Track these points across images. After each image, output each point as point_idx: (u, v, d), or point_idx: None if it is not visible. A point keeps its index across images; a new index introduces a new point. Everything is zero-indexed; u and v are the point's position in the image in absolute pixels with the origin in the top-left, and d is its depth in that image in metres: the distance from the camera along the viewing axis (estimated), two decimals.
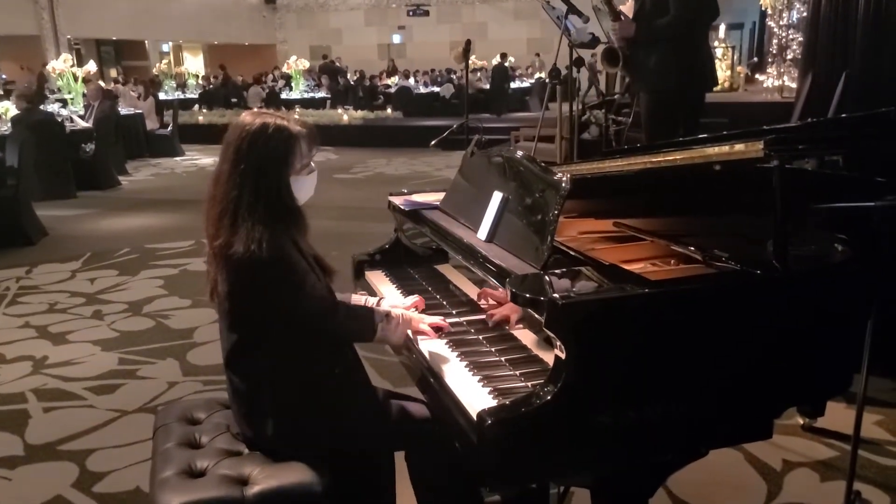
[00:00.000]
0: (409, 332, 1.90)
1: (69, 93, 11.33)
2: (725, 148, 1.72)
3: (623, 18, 3.95)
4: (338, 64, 21.00)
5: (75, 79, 11.27)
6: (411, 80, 18.47)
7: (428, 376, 1.80)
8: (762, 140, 1.53)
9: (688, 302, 1.52)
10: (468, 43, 5.27)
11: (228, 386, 1.85)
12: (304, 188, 1.81)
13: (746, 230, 1.95)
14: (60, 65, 11.34)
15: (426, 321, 1.92)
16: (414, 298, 2.11)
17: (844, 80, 3.38)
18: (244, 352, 1.77)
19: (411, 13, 23.40)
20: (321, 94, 18.13)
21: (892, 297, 1.85)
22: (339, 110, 15.83)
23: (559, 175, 1.75)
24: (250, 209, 1.68)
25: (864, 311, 1.82)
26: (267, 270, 1.66)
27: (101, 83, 12.80)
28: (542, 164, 1.88)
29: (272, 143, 1.71)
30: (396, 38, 25.06)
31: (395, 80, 18.75)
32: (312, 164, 1.84)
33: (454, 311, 2.11)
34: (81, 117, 9.60)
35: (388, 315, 1.85)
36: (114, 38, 22.97)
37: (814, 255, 1.79)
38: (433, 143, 4.56)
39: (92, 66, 11.83)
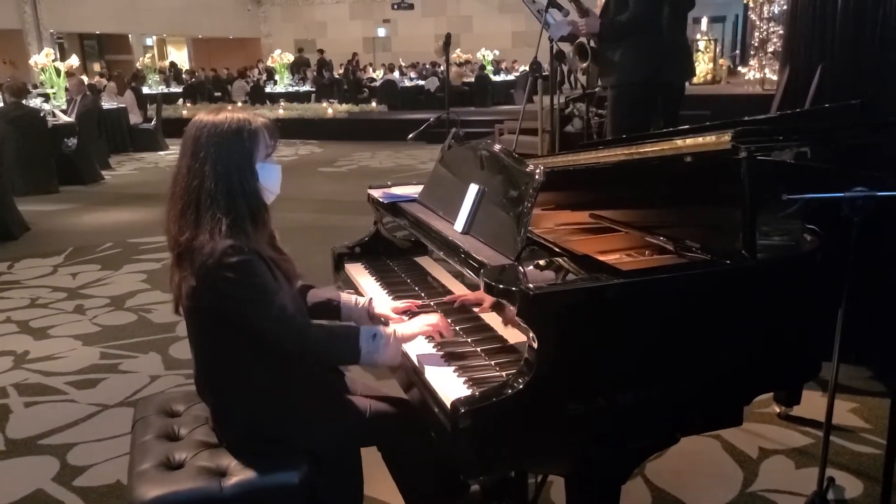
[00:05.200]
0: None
1: (51, 87, 11.23)
2: (698, 140, 1.75)
3: (590, 14, 3.99)
4: (324, 57, 20.95)
5: (58, 73, 11.16)
6: (396, 74, 18.44)
7: (405, 367, 1.81)
8: (730, 132, 1.56)
9: (658, 291, 1.54)
10: (448, 36, 5.27)
11: (196, 386, 1.86)
12: (271, 176, 1.74)
13: (720, 221, 1.98)
14: (43, 59, 11.22)
15: (418, 325, 1.80)
16: (404, 304, 2.06)
17: (820, 73, 3.41)
18: (213, 368, 1.77)
19: (396, 6, 23.29)
20: (306, 87, 18.07)
21: (862, 286, 1.89)
22: (324, 104, 15.79)
23: (532, 167, 1.77)
24: (212, 197, 1.63)
25: (832, 300, 1.85)
26: (231, 268, 1.59)
27: (85, 77, 12.69)
28: (517, 157, 1.90)
29: (234, 131, 1.67)
30: (381, 32, 24.98)
31: (379, 73, 18.74)
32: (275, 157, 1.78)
33: (432, 303, 2.12)
34: (64, 112, 9.52)
35: (375, 335, 1.73)
36: (97, 32, 22.74)
37: (783, 245, 1.82)
38: (410, 136, 4.56)
39: (74, 61, 11.71)
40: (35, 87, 12.95)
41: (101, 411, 3.08)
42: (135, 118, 12.25)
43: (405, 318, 2.00)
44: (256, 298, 1.63)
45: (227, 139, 1.66)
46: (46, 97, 11.11)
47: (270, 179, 1.74)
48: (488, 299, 1.91)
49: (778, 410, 2.84)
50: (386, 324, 2.00)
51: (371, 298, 2.09)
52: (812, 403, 2.82)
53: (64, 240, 6.16)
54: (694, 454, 2.56)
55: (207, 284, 1.62)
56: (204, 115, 1.71)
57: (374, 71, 20.28)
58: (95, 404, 3.15)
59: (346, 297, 2.08)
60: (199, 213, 1.64)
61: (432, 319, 1.81)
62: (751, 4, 12.96)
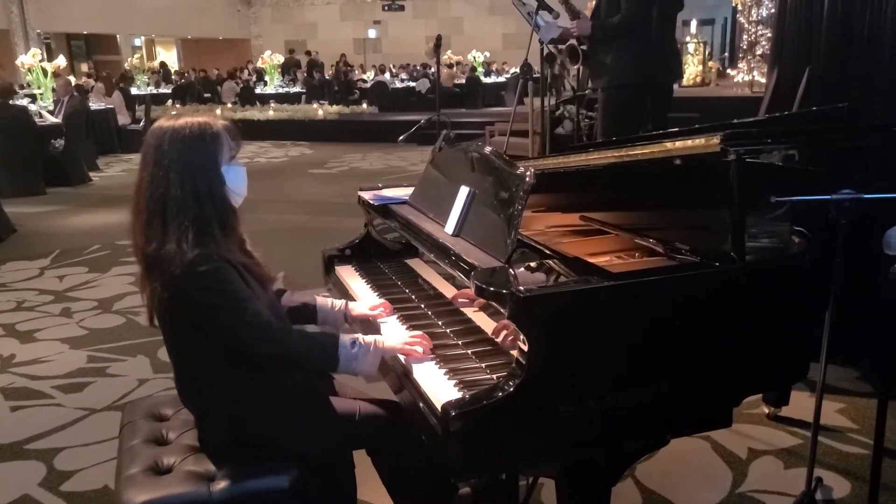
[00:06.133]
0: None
1: (38, 88, 11.15)
2: (687, 142, 1.76)
3: (582, 16, 4.01)
4: (314, 58, 20.91)
5: (45, 73, 11.08)
6: (387, 75, 18.44)
7: (396, 370, 1.81)
8: (719, 135, 1.56)
9: (648, 293, 1.54)
10: (439, 38, 5.27)
11: (178, 394, 1.85)
12: (237, 178, 1.72)
13: (709, 223, 1.99)
14: (29, 59, 11.14)
15: (402, 338, 1.79)
16: (377, 301, 2.09)
17: (807, 76, 3.43)
18: (193, 376, 1.76)
19: (386, 8, 23.29)
20: (296, 88, 18.03)
21: (849, 288, 1.90)
22: (315, 105, 15.75)
23: (523, 169, 1.77)
24: (179, 204, 1.60)
25: (820, 302, 1.86)
26: (199, 277, 1.57)
27: (72, 78, 12.61)
28: (507, 159, 1.90)
29: (196, 136, 1.64)
30: (372, 33, 24.96)
31: (370, 74, 18.74)
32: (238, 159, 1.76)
33: (422, 305, 2.12)
34: (51, 112, 9.45)
35: (354, 342, 1.73)
36: (84, 32, 22.59)
37: (772, 247, 1.82)
38: (401, 138, 4.55)
39: (62, 61, 11.63)
40: (22, 87, 12.85)
41: (88, 415, 3.06)
42: (123, 119, 12.18)
43: (381, 312, 2.03)
44: (229, 306, 1.61)
45: (190, 144, 1.64)
46: (33, 98, 11.02)
47: (236, 182, 1.72)
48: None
49: (767, 411, 2.85)
50: (363, 327, 2.01)
51: (346, 302, 2.08)
52: (800, 404, 2.83)
53: (51, 242, 6.11)
54: (684, 455, 2.57)
55: (179, 295, 1.60)
56: (164, 122, 1.68)
57: (364, 72, 20.27)
58: (83, 408, 3.12)
59: (322, 300, 2.07)
60: (165, 222, 1.61)
61: (417, 334, 1.82)
62: (739, 7, 13.04)
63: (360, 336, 1.77)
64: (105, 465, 2.63)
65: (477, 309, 1.95)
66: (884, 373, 2.04)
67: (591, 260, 1.80)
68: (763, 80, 9.27)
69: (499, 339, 1.78)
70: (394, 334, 1.86)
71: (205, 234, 1.62)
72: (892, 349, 1.97)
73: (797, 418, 2.80)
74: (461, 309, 2.00)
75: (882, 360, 2.04)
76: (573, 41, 4.07)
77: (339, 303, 2.07)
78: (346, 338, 1.74)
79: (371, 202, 2.50)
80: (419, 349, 1.76)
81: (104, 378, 3.43)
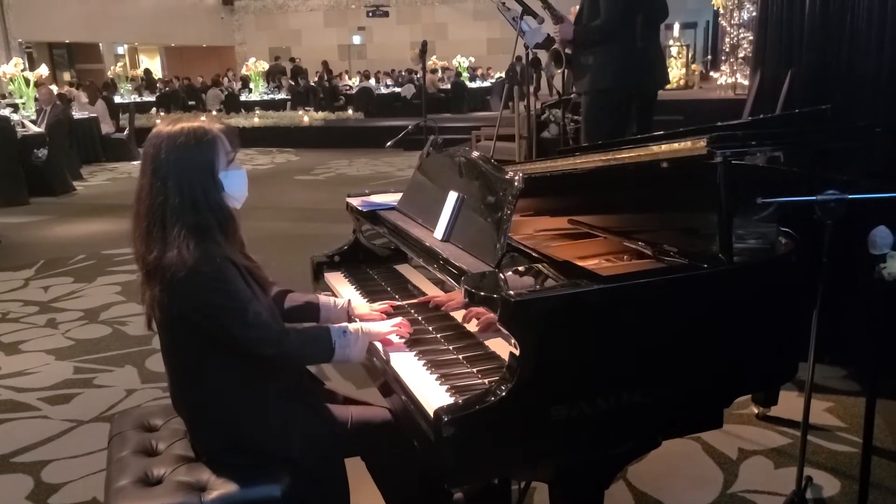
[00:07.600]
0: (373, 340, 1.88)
1: (21, 97, 11.05)
2: (674, 145, 1.77)
3: (565, 21, 4.04)
4: (298, 64, 20.88)
5: (27, 83, 10.98)
6: (372, 81, 18.45)
7: (387, 376, 1.80)
8: (705, 138, 1.58)
9: (637, 295, 1.55)
10: (424, 44, 5.29)
11: (172, 401, 1.84)
12: (236, 182, 1.72)
13: (697, 225, 2.00)
14: (11, 69, 11.04)
15: (388, 326, 1.89)
16: (381, 305, 2.10)
17: (790, 78, 3.47)
18: (189, 381, 1.75)
19: (371, 14, 23.34)
20: (281, 95, 17.99)
21: (836, 288, 1.92)
22: (300, 111, 15.72)
23: (511, 174, 1.78)
24: (178, 212, 1.61)
25: (807, 302, 1.88)
26: (203, 277, 1.58)
27: (54, 87, 12.51)
28: (495, 164, 1.90)
29: (192, 143, 1.64)
30: (356, 39, 24.97)
31: (355, 80, 18.74)
32: (238, 161, 1.76)
33: (412, 311, 2.12)
34: (33, 122, 9.37)
35: (345, 332, 1.79)
36: (67, 41, 22.43)
37: (760, 248, 1.84)
38: (389, 143, 4.56)
39: (44, 70, 11.54)
40: (4, 97, 12.75)
41: (75, 427, 3.03)
42: (107, 128, 12.10)
43: (385, 318, 2.06)
44: (231, 305, 1.62)
45: (186, 151, 1.64)
46: (16, 107, 10.92)
47: (235, 186, 1.72)
48: (458, 298, 1.93)
49: (756, 411, 2.87)
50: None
51: (349, 300, 2.11)
52: (789, 403, 2.85)
53: (35, 252, 6.05)
54: (675, 457, 2.58)
55: (181, 295, 1.60)
56: (162, 128, 1.68)
57: (349, 78, 20.26)
58: (70, 420, 3.08)
59: (325, 299, 2.10)
60: (165, 230, 1.61)
61: (396, 320, 1.91)
62: (721, 11, 13.17)
63: (347, 325, 1.83)
64: (93, 477, 2.60)
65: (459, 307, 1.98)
66: (871, 371, 2.05)
67: (581, 263, 1.80)
68: (746, 83, 9.36)
69: (474, 328, 1.83)
70: (375, 323, 1.93)
71: (206, 239, 1.63)
72: (879, 347, 1.99)
73: (786, 418, 2.82)
74: (451, 314, 2.00)
75: (869, 359, 2.06)
76: (557, 46, 4.09)
77: (341, 301, 2.10)
78: (336, 328, 1.80)
79: (359, 208, 2.50)
80: (398, 338, 1.85)
81: (91, 389, 3.39)
